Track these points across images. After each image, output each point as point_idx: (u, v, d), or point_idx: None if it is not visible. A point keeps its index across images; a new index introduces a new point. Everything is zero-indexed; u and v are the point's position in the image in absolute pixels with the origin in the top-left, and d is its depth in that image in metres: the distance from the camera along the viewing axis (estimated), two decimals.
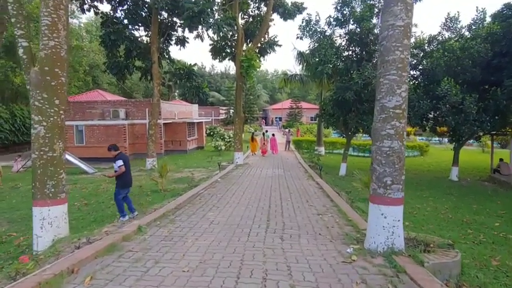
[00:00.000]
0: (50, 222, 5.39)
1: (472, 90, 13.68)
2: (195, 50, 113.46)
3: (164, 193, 12.10)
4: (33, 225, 5.40)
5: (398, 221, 4.35)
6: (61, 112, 5.58)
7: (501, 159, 16.34)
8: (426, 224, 9.10)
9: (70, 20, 36.81)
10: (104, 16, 18.31)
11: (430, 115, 15.44)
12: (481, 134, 15.55)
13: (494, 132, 15.65)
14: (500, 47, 13.54)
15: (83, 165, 17.97)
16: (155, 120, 18.47)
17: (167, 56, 19.79)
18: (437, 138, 34.87)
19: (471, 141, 25.06)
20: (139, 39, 19.54)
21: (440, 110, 13.42)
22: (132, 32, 19.13)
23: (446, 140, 35.21)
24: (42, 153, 5.37)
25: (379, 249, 4.33)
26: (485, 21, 15.38)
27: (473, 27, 15.21)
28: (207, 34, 17.47)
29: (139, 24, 19.64)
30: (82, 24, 40.15)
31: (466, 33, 15.47)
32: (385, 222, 4.32)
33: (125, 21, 18.84)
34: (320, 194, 9.12)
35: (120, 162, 6.77)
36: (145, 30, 20.04)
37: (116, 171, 6.77)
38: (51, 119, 5.43)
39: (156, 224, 5.71)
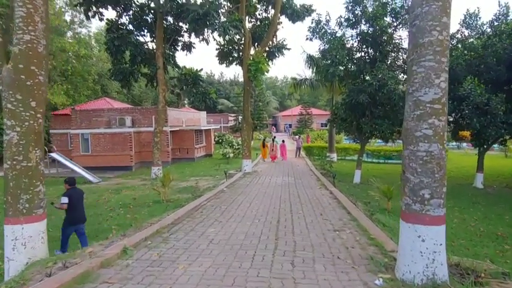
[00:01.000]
0: (23, 243, 4.66)
1: (497, 90, 12.64)
2: (203, 58, 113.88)
3: (167, 204, 11.38)
4: (4, 247, 4.68)
5: (441, 245, 3.45)
6: (38, 116, 4.89)
7: None
8: (456, 239, 8.09)
9: (79, 29, 37.12)
10: (109, 22, 17.95)
11: (450, 118, 14.41)
12: (508, 137, 14.38)
13: None
14: None
15: (86, 175, 17.44)
16: (161, 128, 17.87)
17: (172, 62, 19.23)
18: (454, 143, 33.34)
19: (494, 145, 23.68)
20: (144, 45, 19.11)
21: (463, 112, 12.38)
22: (137, 37, 18.71)
23: (464, 144, 33.84)
24: (15, 162, 4.68)
25: (416, 280, 3.43)
26: (508, 16, 14.35)
27: (496, 24, 14.19)
28: (213, 37, 16.84)
29: (145, 30, 19.25)
30: (91, 34, 40.35)
31: (488, 29, 14.46)
32: (423, 246, 3.43)
33: (130, 26, 18.46)
34: (335, 205, 8.20)
35: (64, 199, 6.45)
36: (150, 36, 19.64)
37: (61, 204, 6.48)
38: (26, 123, 4.74)
39: (146, 245, 4.92)
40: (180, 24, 19.45)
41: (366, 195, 12.03)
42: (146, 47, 19.19)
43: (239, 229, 5.90)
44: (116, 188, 15.77)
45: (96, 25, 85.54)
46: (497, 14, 14.30)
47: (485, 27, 14.43)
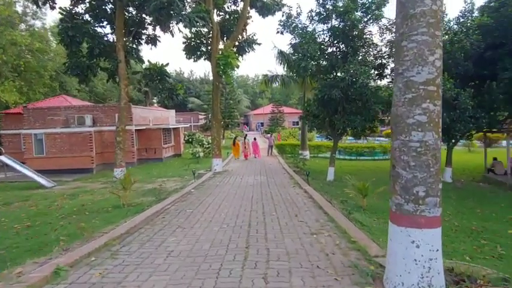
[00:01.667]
0: None
1: (465, 85, 12.77)
2: (172, 55, 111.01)
3: (128, 209, 10.36)
4: None
5: (437, 250, 2.94)
6: None
7: (495, 159, 15.53)
8: None
9: (32, 22, 34.35)
10: (63, 11, 16.41)
11: None
12: (475, 132, 14.66)
13: (486, 130, 14.78)
14: (493, 39, 12.70)
15: (39, 179, 15.84)
16: (123, 126, 16.62)
17: (135, 55, 18.00)
18: None
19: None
20: (104, 37, 17.72)
21: None
22: (95, 28, 17.28)
23: None
24: None
25: None
26: (473, 13, 14.62)
27: (462, 20, 14.38)
28: (179, 29, 15.86)
29: (104, 21, 17.86)
30: (47, 26, 37.55)
31: (455, 26, 14.63)
32: (417, 253, 2.89)
33: (87, 17, 17.03)
34: (310, 204, 7.68)
35: None
36: (111, 28, 18.27)
37: None
38: None
39: (88, 262, 4.06)
40: (144, 15, 18.29)
41: (340, 193, 11.67)
42: (106, 39, 17.84)
43: (204, 236, 5.16)
44: (72, 192, 14.39)
45: (52, 17, 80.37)
46: (463, 11, 14.51)
47: (451, 23, 14.59)
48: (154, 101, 67.54)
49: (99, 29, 17.65)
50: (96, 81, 42.19)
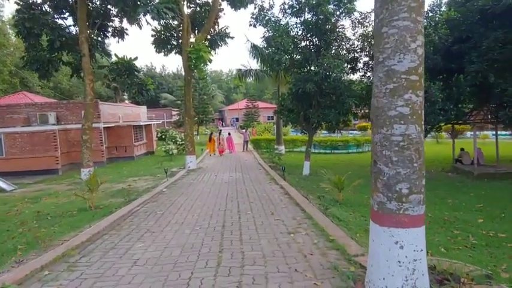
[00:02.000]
0: None
1: (434, 78, 13.03)
2: (144, 50, 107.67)
3: (95, 211, 9.73)
4: None
5: (421, 250, 2.77)
6: None
7: (462, 149, 16.09)
8: None
9: None
10: (20, 0, 15.15)
11: None
12: (443, 124, 15.06)
13: (454, 122, 15.24)
14: (460, 32, 13.03)
15: None
16: (89, 124, 15.69)
17: (101, 49, 17.02)
18: None
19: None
20: (66, 29, 16.59)
21: None
22: (56, 20, 16.13)
23: None
24: None
25: None
26: (441, 7, 14.95)
27: (430, 14, 14.66)
28: (146, 21, 15.09)
29: (64, 12, 16.71)
30: (5, 19, 35.00)
31: (424, 20, 14.92)
32: (401, 254, 2.71)
33: (46, 7, 15.84)
34: (287, 201, 7.48)
35: None
36: (73, 20, 17.12)
37: None
38: None
39: (40, 277, 3.60)
40: (109, 7, 17.30)
41: (316, 187, 11.61)
42: (68, 31, 16.72)
43: (175, 241, 4.80)
44: (34, 196, 13.42)
45: (11, 9, 75.24)
46: (432, 5, 14.80)
47: None
48: (125, 97, 65.20)
49: (60, 21, 16.53)
50: (61, 77, 39.99)
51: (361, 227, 7.16)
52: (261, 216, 6.10)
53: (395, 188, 2.69)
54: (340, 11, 15.13)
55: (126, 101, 63.13)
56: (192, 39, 16.90)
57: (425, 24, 14.43)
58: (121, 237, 5.11)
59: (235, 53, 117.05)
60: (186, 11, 17.61)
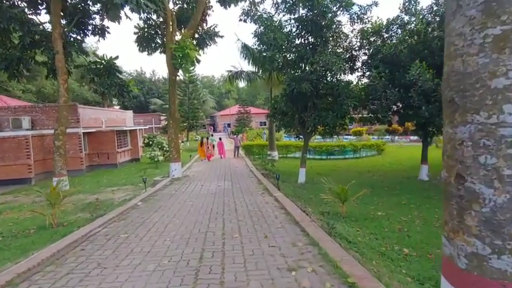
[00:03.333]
0: None
1: (441, 76, 11.97)
2: (133, 54, 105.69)
3: (55, 230, 8.25)
4: None
5: None
6: None
7: None
8: (430, 247, 6.58)
9: None
10: None
11: (395, 107, 13.54)
12: None
13: None
14: None
15: None
16: (63, 128, 14.15)
17: (77, 46, 15.56)
18: (388, 137, 34.40)
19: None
20: (40, 26, 15.14)
21: (411, 99, 11.33)
22: (28, 15, 14.66)
23: (397, 137, 35.15)
24: None
25: None
26: None
27: (435, 8, 13.64)
28: (125, 14, 13.72)
29: (40, 7, 15.28)
30: None
31: (428, 15, 13.88)
32: None
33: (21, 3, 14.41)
34: (283, 218, 6.13)
35: None
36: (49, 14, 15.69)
37: None
38: None
39: None
40: (89, 2, 15.90)
41: (314, 197, 10.32)
42: (42, 28, 15.27)
43: (129, 284, 3.40)
44: None
45: None
46: None
47: (424, 12, 13.82)
48: (114, 102, 63.37)
49: (33, 17, 15.06)
50: (45, 81, 38.19)
51: (374, 250, 5.86)
52: (252, 242, 4.75)
53: (510, 230, 1.37)
54: (338, 5, 14.00)
55: (116, 107, 61.31)
56: (179, 38, 15.61)
57: (430, 19, 13.40)
58: (57, 278, 3.69)
59: (228, 58, 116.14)
60: (172, 7, 16.36)
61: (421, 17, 13.47)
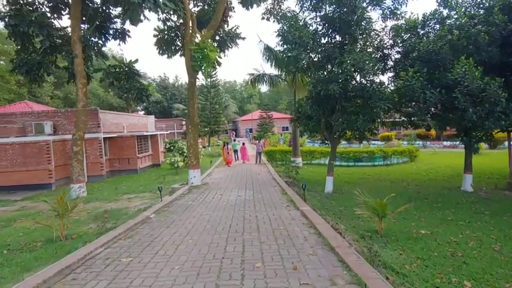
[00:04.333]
0: None
1: (488, 74, 10.52)
2: (158, 60, 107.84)
3: (62, 243, 7.64)
4: None
5: None
6: None
7: None
8: (496, 280, 5.33)
9: None
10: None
11: (434, 110, 12.19)
12: (498, 130, 12.38)
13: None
14: None
15: None
16: (81, 133, 13.82)
17: (97, 49, 15.30)
18: (419, 142, 32.34)
19: (458, 142, 22.16)
20: (61, 32, 15.03)
21: (456, 101, 9.98)
22: (50, 20, 14.56)
23: (428, 143, 33.02)
24: None
25: None
26: None
27: (479, 0, 12.23)
28: (144, 15, 13.20)
29: (62, 12, 15.19)
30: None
31: (471, 8, 12.48)
32: None
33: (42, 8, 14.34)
34: (314, 240, 5.15)
35: None
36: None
37: None
38: None
39: None
40: (110, 7, 15.67)
41: (344, 209, 9.21)
42: (63, 33, 15.15)
43: None
44: (11, 216, 11.48)
45: None
46: None
47: (467, 5, 12.43)
48: (138, 108, 64.36)
49: (53, 21, 14.97)
50: (71, 87, 39.09)
51: (428, 283, 4.74)
52: (278, 275, 3.80)
53: None
54: (368, 1, 12.88)
55: (140, 112, 62.19)
56: (199, 40, 15.03)
57: (473, 12, 12.02)
58: None
59: (249, 63, 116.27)
60: (192, 7, 15.83)
61: (463, 9, 12.10)
